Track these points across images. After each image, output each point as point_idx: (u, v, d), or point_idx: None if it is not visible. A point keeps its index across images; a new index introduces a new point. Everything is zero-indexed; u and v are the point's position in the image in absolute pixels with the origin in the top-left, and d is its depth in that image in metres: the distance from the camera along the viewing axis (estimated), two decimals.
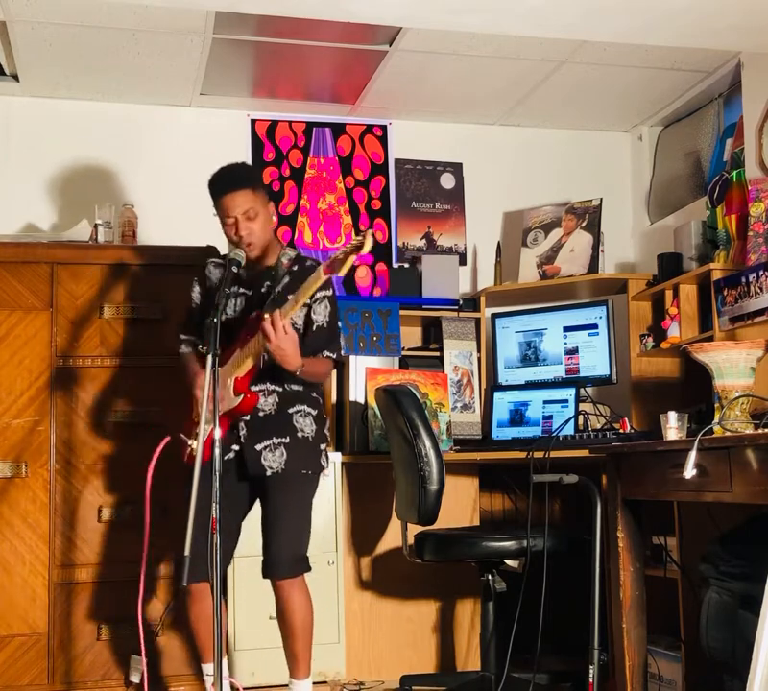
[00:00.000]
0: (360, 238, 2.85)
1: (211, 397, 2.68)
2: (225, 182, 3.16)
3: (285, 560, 3.08)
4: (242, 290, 3.23)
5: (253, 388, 3.11)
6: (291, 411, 3.17)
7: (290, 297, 3.04)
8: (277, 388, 3.16)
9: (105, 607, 3.65)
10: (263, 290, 3.22)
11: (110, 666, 3.66)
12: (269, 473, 3.11)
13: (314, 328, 3.18)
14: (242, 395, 3.07)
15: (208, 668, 3.18)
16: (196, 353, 3.24)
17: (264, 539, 3.13)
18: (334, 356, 3.20)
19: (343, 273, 2.88)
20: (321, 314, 3.19)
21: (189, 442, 3.09)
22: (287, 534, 3.09)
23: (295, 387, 3.17)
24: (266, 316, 2.97)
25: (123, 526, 3.67)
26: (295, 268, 3.24)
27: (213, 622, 2.66)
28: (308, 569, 3.13)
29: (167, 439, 3.03)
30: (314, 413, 3.21)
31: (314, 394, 3.24)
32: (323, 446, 3.22)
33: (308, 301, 3.16)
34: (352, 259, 2.85)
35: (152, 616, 3.70)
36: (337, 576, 3.79)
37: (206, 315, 3.13)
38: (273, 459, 3.11)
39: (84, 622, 3.66)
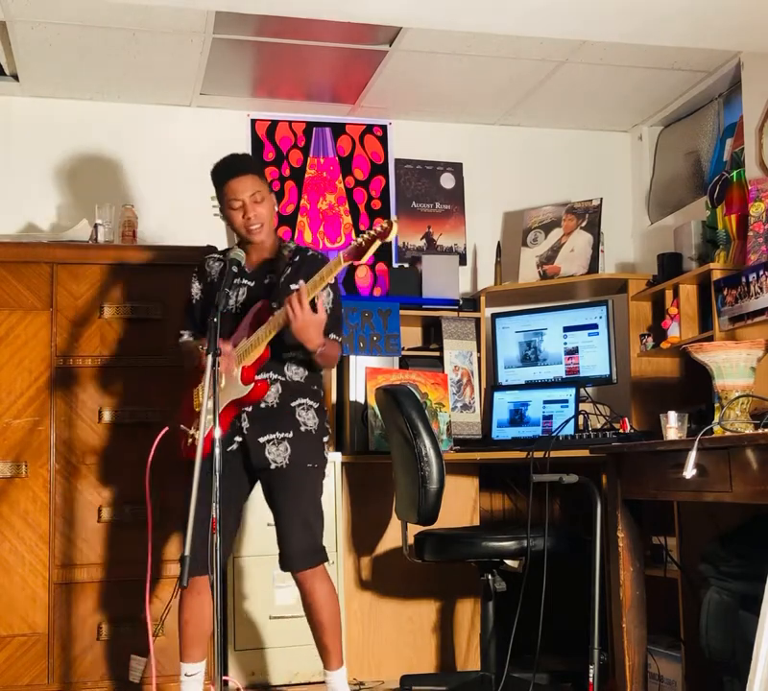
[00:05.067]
0: (385, 225, 2.86)
1: (211, 396, 2.69)
2: (231, 167, 3.17)
3: (301, 553, 3.10)
4: (244, 281, 3.23)
5: (257, 377, 3.10)
6: (293, 404, 3.16)
7: (301, 283, 3.07)
8: (281, 377, 3.15)
9: (105, 607, 3.65)
10: (266, 281, 3.22)
11: (110, 666, 3.66)
12: (273, 466, 3.11)
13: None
14: (252, 384, 3.06)
15: (189, 668, 3.13)
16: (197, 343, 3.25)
17: (278, 533, 3.15)
18: (339, 339, 3.22)
19: (365, 259, 2.90)
20: (325, 300, 3.20)
21: (191, 432, 3.09)
22: (300, 526, 3.10)
23: (297, 378, 3.17)
24: (294, 287, 2.99)
25: (123, 526, 3.67)
26: (296, 258, 3.26)
27: (213, 621, 2.66)
28: (326, 559, 3.15)
29: (166, 429, 3.03)
30: (315, 406, 3.21)
31: (315, 387, 3.23)
32: (325, 438, 3.23)
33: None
34: (376, 246, 2.87)
35: (152, 616, 3.69)
36: (337, 576, 3.79)
37: (207, 310, 3.13)
38: (277, 453, 3.11)
39: (84, 622, 3.66)
